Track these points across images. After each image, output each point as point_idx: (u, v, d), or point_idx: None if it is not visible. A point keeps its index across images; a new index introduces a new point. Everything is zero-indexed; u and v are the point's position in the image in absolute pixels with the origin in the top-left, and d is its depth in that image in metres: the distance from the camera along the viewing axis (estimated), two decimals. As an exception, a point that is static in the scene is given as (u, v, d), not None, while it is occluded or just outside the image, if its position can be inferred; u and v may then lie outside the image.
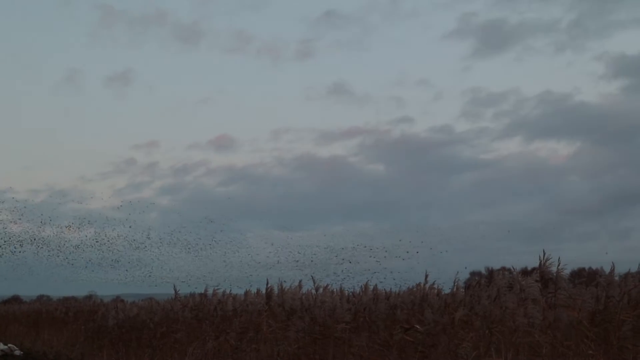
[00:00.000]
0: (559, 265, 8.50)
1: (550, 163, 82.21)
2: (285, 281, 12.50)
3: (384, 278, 18.53)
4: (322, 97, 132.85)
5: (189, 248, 25.91)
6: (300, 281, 12.44)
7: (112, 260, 26.99)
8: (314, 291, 11.82)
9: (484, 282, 9.38)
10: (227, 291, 14.28)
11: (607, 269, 8.55)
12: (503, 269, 9.68)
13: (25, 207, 28.19)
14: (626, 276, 8.46)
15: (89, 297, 27.47)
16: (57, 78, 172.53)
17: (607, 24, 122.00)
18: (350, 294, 11.60)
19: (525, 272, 9.03)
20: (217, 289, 14.37)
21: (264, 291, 12.53)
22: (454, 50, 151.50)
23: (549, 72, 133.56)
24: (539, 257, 8.58)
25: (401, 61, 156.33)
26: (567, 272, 8.63)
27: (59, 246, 27.34)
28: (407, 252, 21.59)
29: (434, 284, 10.16)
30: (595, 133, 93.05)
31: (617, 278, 8.42)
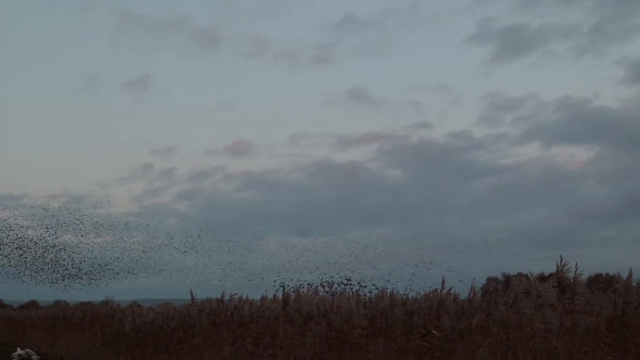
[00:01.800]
0: (576, 270, 8.49)
1: (568, 168, 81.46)
2: (301, 286, 12.57)
3: (407, 284, 18.61)
4: (341, 102, 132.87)
5: (206, 253, 26.02)
6: (316, 287, 12.51)
7: (129, 265, 27.13)
8: (330, 296, 11.87)
9: (501, 287, 9.38)
10: (244, 296, 14.36)
11: (624, 275, 8.53)
12: (520, 274, 9.68)
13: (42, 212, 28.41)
14: (644, 282, 8.43)
15: (106, 302, 27.61)
16: (76, 83, 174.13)
17: (628, 28, 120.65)
18: (367, 299, 11.63)
19: (542, 278, 9.03)
20: (234, 295, 14.45)
21: (280, 296, 12.59)
22: (474, 55, 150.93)
23: (569, 76, 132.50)
24: (556, 262, 8.59)
25: (420, 66, 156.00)
26: (584, 277, 8.62)
27: (76, 251, 27.51)
28: (424, 257, 21.64)
29: (450, 289, 10.16)
30: (614, 138, 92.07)
31: (634, 284, 8.40)
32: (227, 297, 14.62)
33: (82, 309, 25.67)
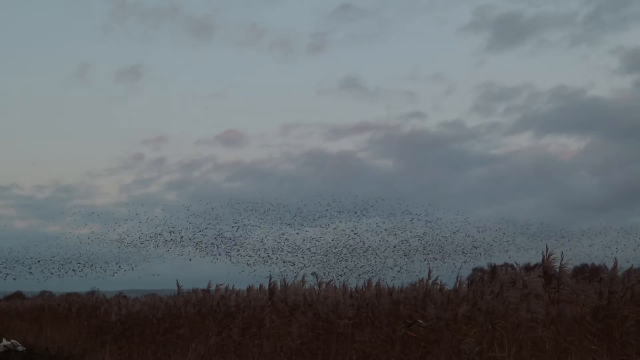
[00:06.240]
0: (562, 260, 8.51)
1: (560, 158, 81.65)
2: (288, 276, 12.54)
3: (394, 275, 18.65)
4: (334, 92, 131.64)
5: (196, 244, 25.84)
6: (303, 277, 12.48)
7: (116, 256, 26.92)
8: (317, 287, 11.85)
9: (487, 277, 9.39)
10: (230, 287, 14.31)
11: (610, 265, 8.56)
12: (506, 264, 9.70)
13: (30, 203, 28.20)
14: (629, 272, 8.47)
15: (92, 293, 27.44)
16: (68, 71, 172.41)
17: (624, 17, 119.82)
18: (353, 289, 11.62)
19: (528, 268, 9.04)
20: (220, 285, 14.39)
21: (267, 287, 12.56)
22: (469, 44, 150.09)
23: (563, 66, 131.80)
24: (542, 252, 8.61)
25: (416, 55, 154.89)
26: (570, 268, 8.64)
27: (64, 242, 27.30)
28: (412, 247, 21.70)
29: (436, 279, 10.17)
30: (606, 128, 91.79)
31: (620, 274, 8.43)
32: (213, 287, 14.56)
33: (68, 300, 25.53)
